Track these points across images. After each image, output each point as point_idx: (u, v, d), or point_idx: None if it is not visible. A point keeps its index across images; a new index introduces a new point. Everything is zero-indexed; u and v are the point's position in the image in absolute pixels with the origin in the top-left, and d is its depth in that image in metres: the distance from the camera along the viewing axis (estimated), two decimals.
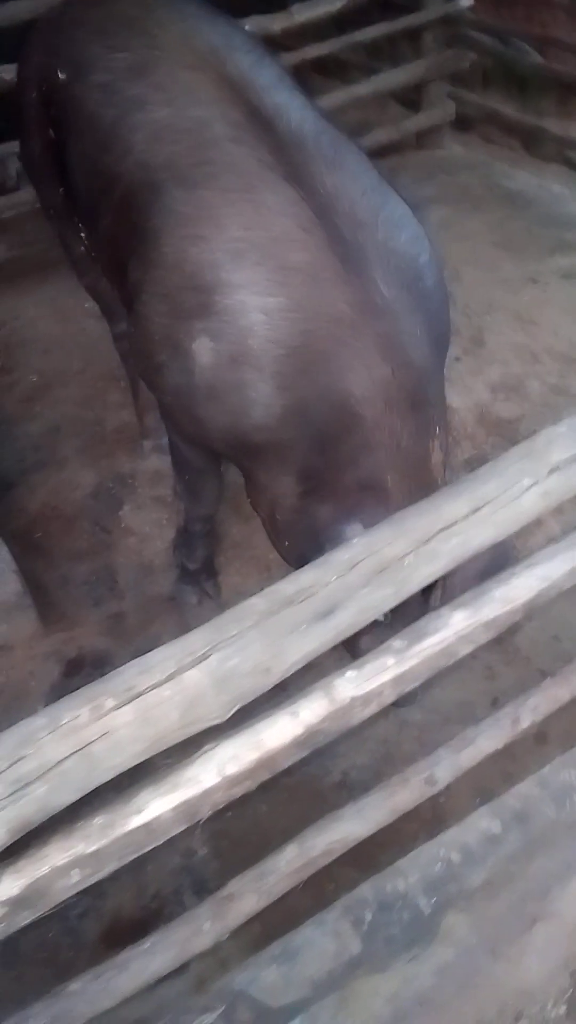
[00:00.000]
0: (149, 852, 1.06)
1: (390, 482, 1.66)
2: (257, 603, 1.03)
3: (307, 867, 1.32)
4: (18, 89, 2.30)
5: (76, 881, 0.97)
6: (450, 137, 4.55)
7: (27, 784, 0.88)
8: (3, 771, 0.88)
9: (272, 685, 1.02)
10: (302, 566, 1.47)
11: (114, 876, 1.07)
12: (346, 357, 1.63)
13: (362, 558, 1.09)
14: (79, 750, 0.91)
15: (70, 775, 0.90)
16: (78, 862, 0.96)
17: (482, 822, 1.70)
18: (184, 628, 2.44)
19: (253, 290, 1.65)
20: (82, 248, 2.42)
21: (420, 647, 1.13)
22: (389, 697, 1.12)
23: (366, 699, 1.11)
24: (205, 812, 1.04)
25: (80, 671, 2.45)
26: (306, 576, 1.07)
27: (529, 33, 4.32)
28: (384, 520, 1.16)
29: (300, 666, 1.04)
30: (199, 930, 1.24)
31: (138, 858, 1.05)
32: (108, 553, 2.76)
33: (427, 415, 1.69)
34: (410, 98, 4.46)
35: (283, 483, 1.81)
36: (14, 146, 2.82)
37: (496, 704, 2.19)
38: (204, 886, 1.96)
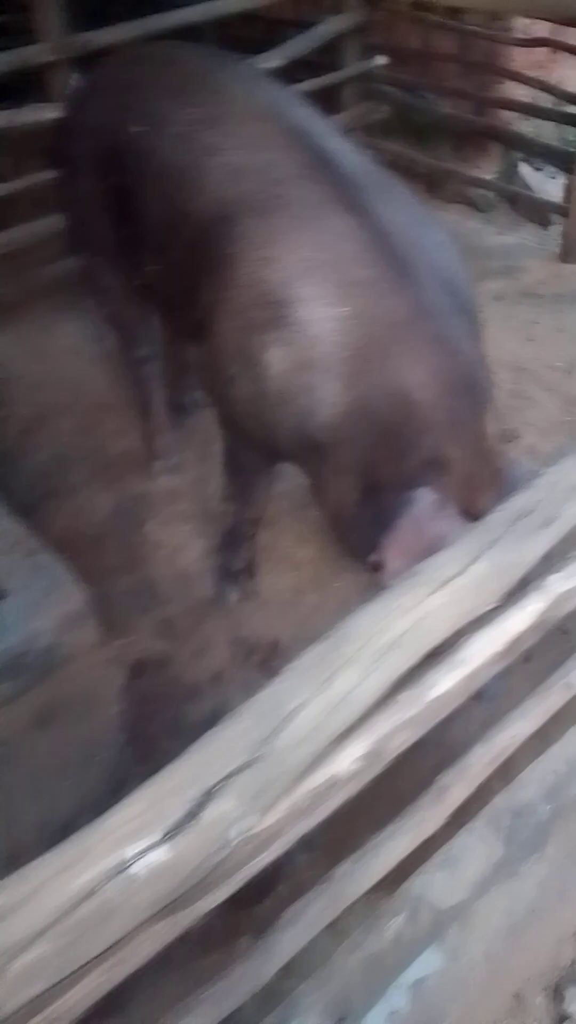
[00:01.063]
0: None
1: (451, 454, 1.85)
2: (501, 517, 1.29)
3: (495, 760, 1.55)
4: (68, 138, 2.49)
5: (403, 741, 1.18)
6: None
7: (383, 655, 1.09)
8: (368, 642, 1.08)
9: (522, 577, 1.27)
10: (367, 557, 1.72)
11: None
12: (404, 353, 1.87)
13: (556, 480, 1.37)
14: (412, 626, 1.12)
15: (408, 646, 1.12)
16: (401, 727, 1.17)
17: None
18: (234, 626, 2.62)
19: (322, 302, 1.90)
20: (114, 279, 2.61)
21: None
22: None
23: (570, 593, 1.38)
24: (475, 687, 1.27)
25: (144, 673, 2.58)
26: (526, 496, 1.34)
27: (428, 85, 4.86)
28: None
29: (535, 563, 1.30)
30: (424, 818, 1.45)
31: None
32: (142, 567, 2.88)
33: (479, 395, 1.94)
34: None
35: (347, 480, 2.00)
36: None
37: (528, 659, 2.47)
38: (313, 845, 2.12)
